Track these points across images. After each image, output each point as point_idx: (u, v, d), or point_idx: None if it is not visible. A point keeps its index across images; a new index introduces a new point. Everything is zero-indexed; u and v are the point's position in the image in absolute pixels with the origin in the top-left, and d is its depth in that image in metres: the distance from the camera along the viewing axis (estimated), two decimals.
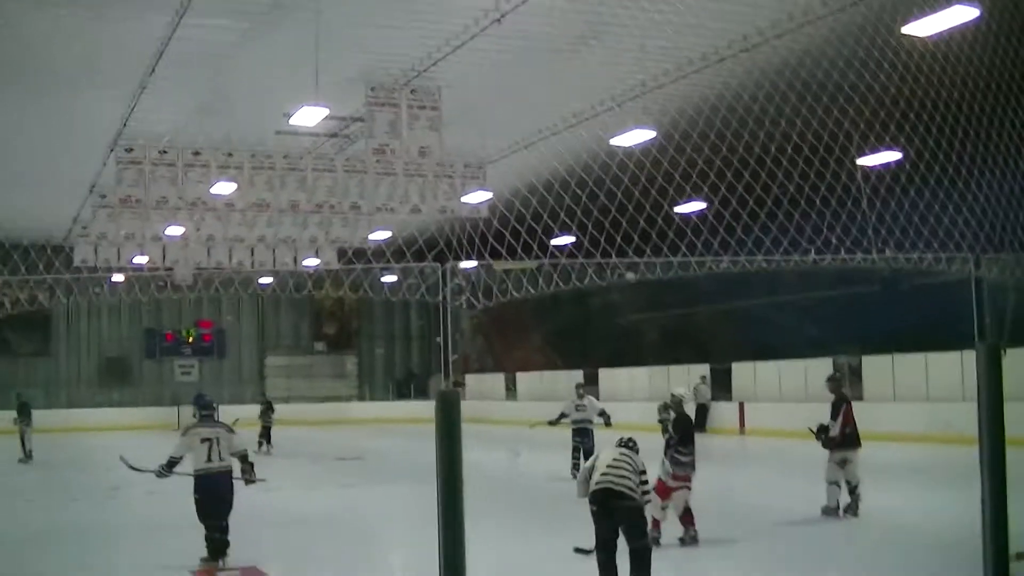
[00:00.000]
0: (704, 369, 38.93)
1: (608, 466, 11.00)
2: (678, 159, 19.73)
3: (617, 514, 10.69)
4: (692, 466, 14.54)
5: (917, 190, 18.41)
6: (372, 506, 18.70)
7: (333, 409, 54.14)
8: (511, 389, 51.23)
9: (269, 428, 33.81)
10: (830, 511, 16.81)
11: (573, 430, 23.13)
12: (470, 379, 54.96)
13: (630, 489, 10.76)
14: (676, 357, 42.55)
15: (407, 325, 62.65)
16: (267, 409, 34.62)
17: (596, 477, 10.95)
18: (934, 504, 18.16)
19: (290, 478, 22.58)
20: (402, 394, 58.50)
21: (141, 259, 32.19)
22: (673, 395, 15.23)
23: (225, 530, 13.34)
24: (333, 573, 14.10)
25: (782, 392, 35.72)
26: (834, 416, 16.92)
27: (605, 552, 10.72)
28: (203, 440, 13.26)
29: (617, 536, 10.69)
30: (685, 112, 22.73)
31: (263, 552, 14.99)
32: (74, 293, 34.15)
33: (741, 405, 36.72)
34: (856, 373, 33.37)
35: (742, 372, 37.96)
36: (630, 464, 11.04)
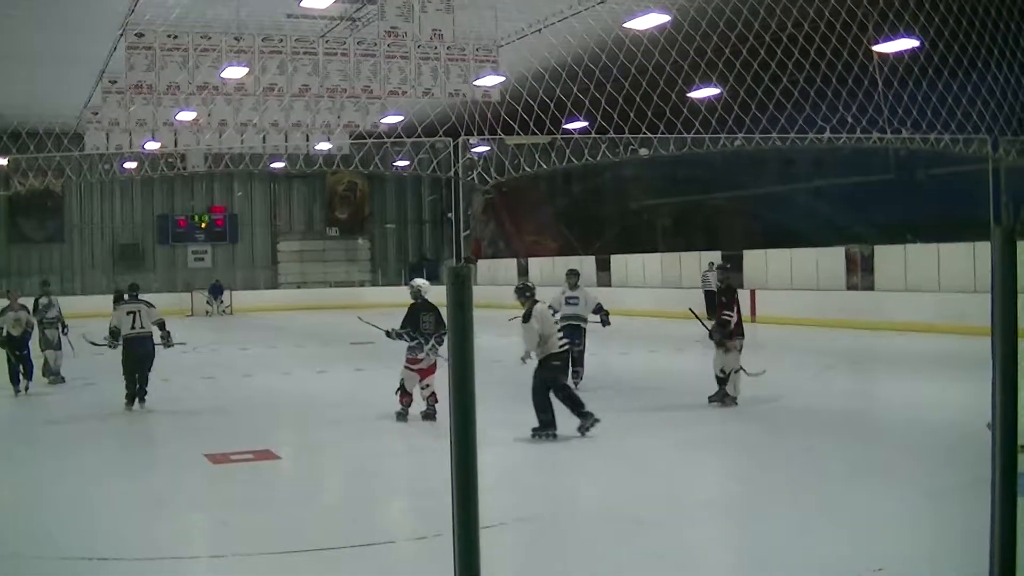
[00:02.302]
0: (715, 256, 38.90)
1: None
2: (691, 42, 19.51)
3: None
4: (419, 349, 15.88)
5: (935, 71, 18.20)
6: (384, 390, 18.79)
7: (346, 294, 54.32)
8: (523, 275, 51.27)
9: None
10: (728, 398, 17.03)
11: (561, 328, 17.05)
12: (482, 264, 54.98)
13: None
14: (688, 243, 42.55)
15: (419, 209, 62.64)
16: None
17: (554, 343, 14.27)
18: (943, 395, 18.23)
19: (303, 363, 22.74)
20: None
21: (153, 145, 32.08)
22: (410, 285, 17.04)
23: (144, 382, 17.63)
24: (342, 455, 14.25)
25: (793, 280, 35.78)
26: (728, 306, 17.04)
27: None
28: (128, 312, 17.72)
29: None
30: None
31: (275, 436, 15.19)
32: (84, 173, 34.08)
33: (752, 293, 36.72)
34: (868, 262, 33.36)
35: (754, 259, 37.93)
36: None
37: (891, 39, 22.04)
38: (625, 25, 22.64)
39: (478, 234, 58.18)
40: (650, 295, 41.52)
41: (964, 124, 16.71)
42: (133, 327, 17.53)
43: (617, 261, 44.99)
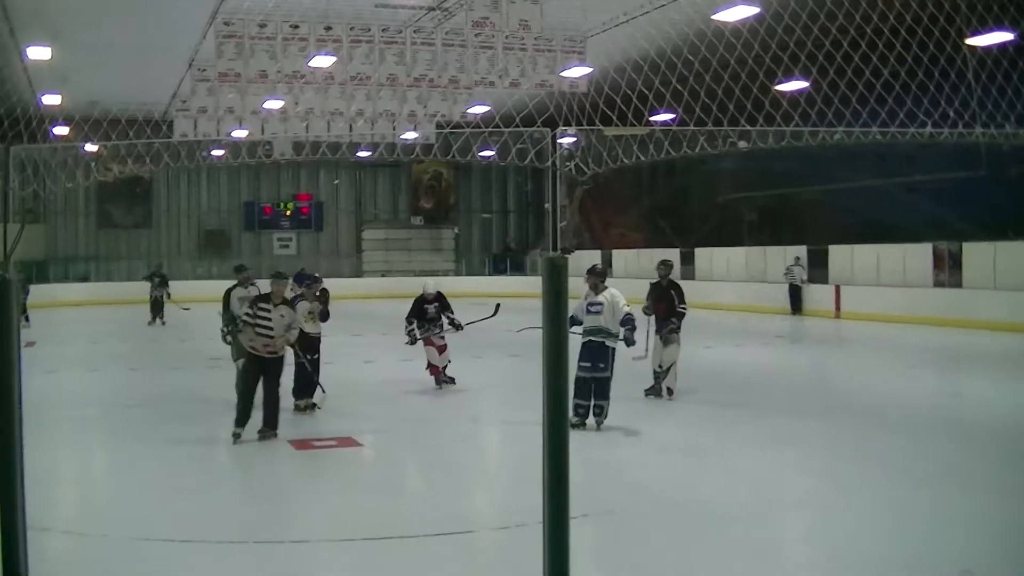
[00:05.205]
0: (800, 250, 38.49)
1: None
2: (788, 34, 19.35)
3: None
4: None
5: None
6: (466, 379, 18.87)
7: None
8: (608, 266, 51.11)
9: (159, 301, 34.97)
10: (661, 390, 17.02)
11: (582, 345, 14.33)
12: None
13: None
14: (774, 237, 42.16)
15: (504, 199, 62.74)
16: (160, 282, 35.27)
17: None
18: None
19: (386, 351, 22.83)
20: (499, 269, 58.67)
21: (240, 133, 32.39)
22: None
23: None
24: (425, 443, 14.29)
25: (879, 276, 35.33)
26: (661, 299, 16.70)
27: None
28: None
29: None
30: None
31: (358, 423, 15.22)
32: (180, 158, 34.49)
33: (837, 288, 36.36)
34: (956, 259, 32.81)
35: (839, 254, 37.51)
36: None
37: (984, 32, 21.70)
38: (713, 17, 22.47)
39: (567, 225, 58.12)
40: (734, 288, 41.28)
41: None
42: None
43: (701, 254, 44.71)
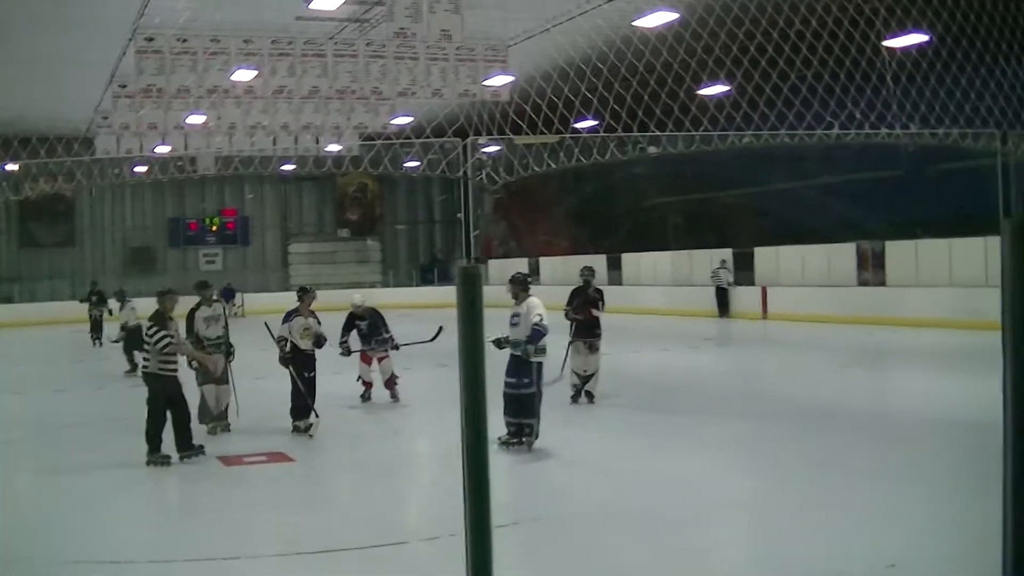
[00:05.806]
0: (726, 253, 38.83)
1: None
2: (699, 40, 19.50)
3: None
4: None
5: (944, 66, 18.20)
6: (400, 390, 18.82)
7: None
8: (535, 273, 51.20)
9: (99, 320, 33.14)
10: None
11: (510, 357, 13.54)
12: (493, 264, 54.89)
13: None
14: (699, 241, 42.47)
15: (430, 209, 62.67)
16: (98, 301, 33.55)
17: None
18: (958, 391, 18.17)
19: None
20: (426, 279, 58.64)
21: (163, 149, 32.14)
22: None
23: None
24: (357, 456, 14.29)
25: (805, 276, 35.72)
26: (585, 303, 17.05)
27: None
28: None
29: None
30: None
31: (289, 438, 15.15)
32: (95, 177, 34.14)
33: (764, 289, 36.70)
34: (879, 258, 33.26)
35: (765, 256, 37.89)
36: None
37: (900, 34, 21.99)
38: (634, 23, 22.61)
39: (490, 234, 58.09)
40: (661, 293, 41.54)
41: (973, 119, 16.73)
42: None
43: (628, 259, 44.94)
